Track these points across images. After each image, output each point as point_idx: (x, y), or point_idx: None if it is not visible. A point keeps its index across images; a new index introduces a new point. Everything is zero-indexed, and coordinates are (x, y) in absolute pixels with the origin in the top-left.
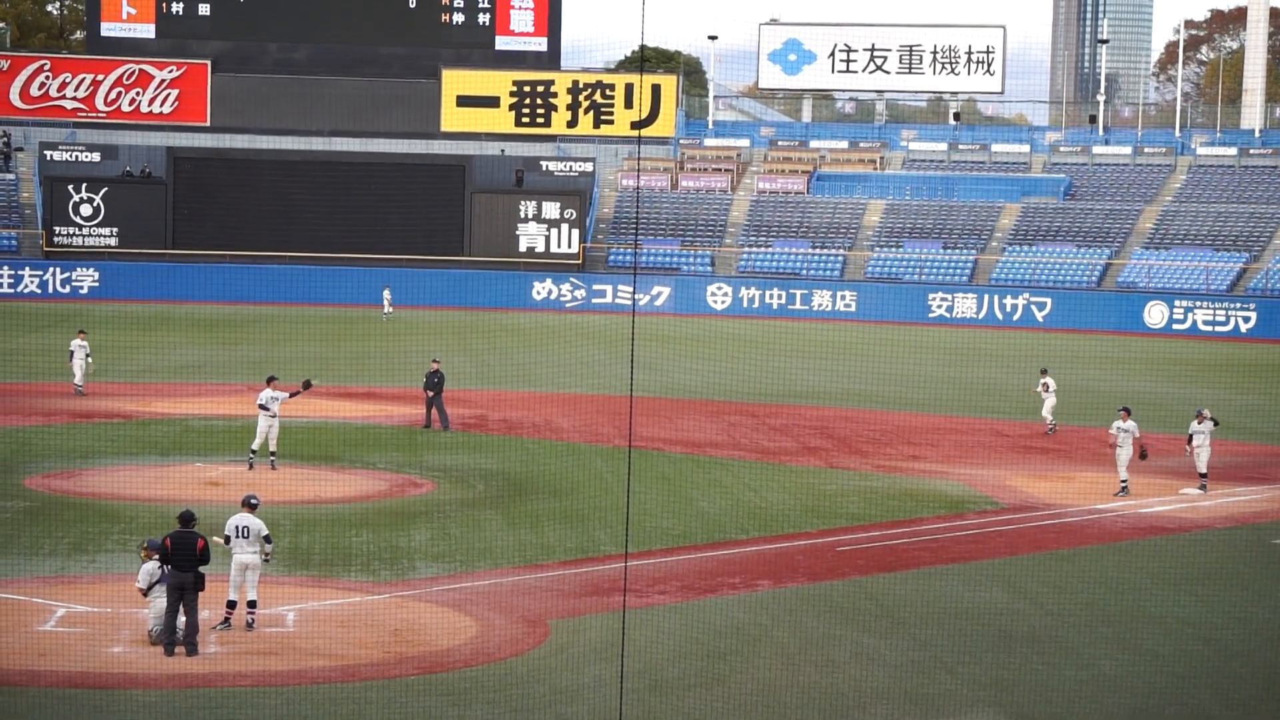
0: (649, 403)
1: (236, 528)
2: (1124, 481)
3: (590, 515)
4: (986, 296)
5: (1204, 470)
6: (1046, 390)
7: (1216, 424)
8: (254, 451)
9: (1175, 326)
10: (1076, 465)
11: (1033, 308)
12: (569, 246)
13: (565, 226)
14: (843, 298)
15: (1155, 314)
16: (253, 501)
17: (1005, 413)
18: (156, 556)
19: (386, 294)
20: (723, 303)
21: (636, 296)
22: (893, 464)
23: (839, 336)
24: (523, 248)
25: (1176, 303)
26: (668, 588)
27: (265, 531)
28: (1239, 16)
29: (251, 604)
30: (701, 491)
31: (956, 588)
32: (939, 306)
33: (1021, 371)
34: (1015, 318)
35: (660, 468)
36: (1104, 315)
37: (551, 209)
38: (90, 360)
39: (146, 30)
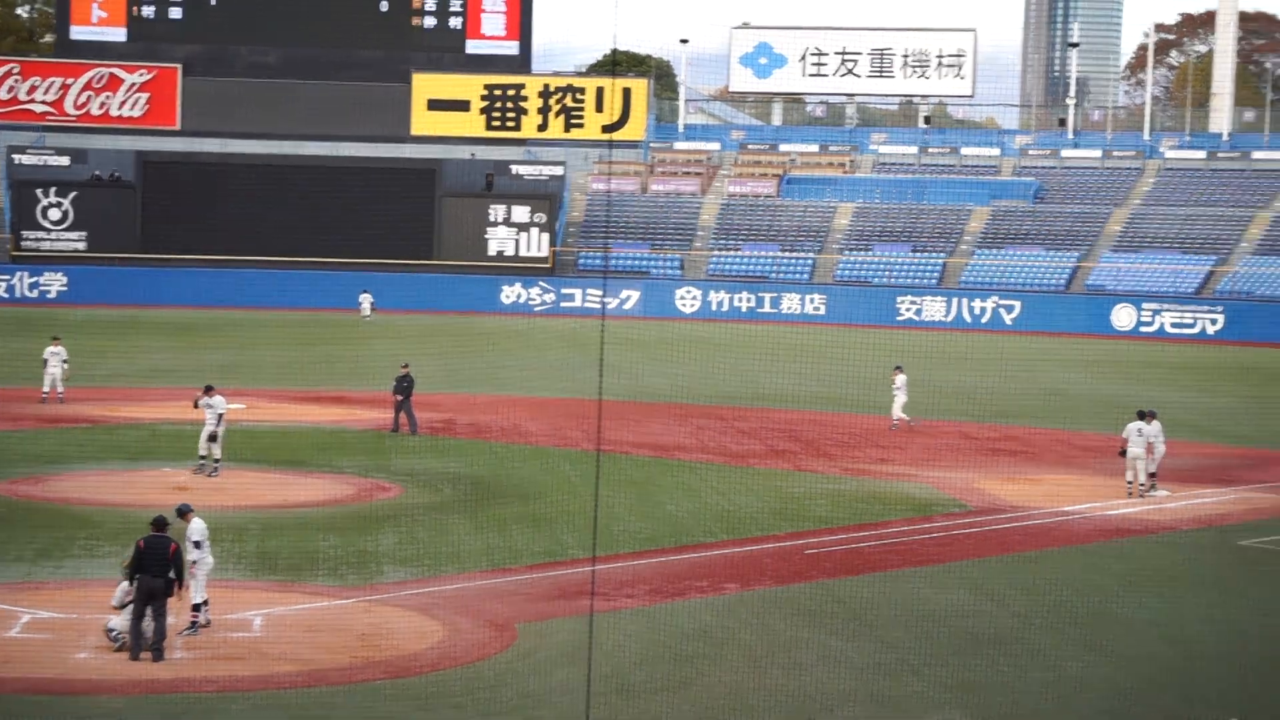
0: (617, 406)
1: (203, 532)
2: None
3: (558, 519)
4: (955, 299)
5: (1154, 470)
6: (897, 387)
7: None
8: (203, 457)
9: (1143, 329)
10: (1044, 468)
11: (1001, 311)
12: (539, 250)
13: (535, 230)
14: (812, 301)
15: (1123, 316)
16: (187, 509)
17: (973, 415)
18: None
19: (367, 298)
20: (692, 306)
21: (606, 300)
22: (860, 467)
23: (808, 340)
24: (492, 251)
25: (1144, 305)
26: (635, 591)
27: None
28: (1208, 20)
29: (205, 604)
30: (669, 495)
31: (923, 590)
32: (908, 310)
33: (990, 374)
34: (984, 320)
35: (628, 471)
36: (1072, 318)
37: (521, 213)
38: (67, 365)
39: (117, 34)
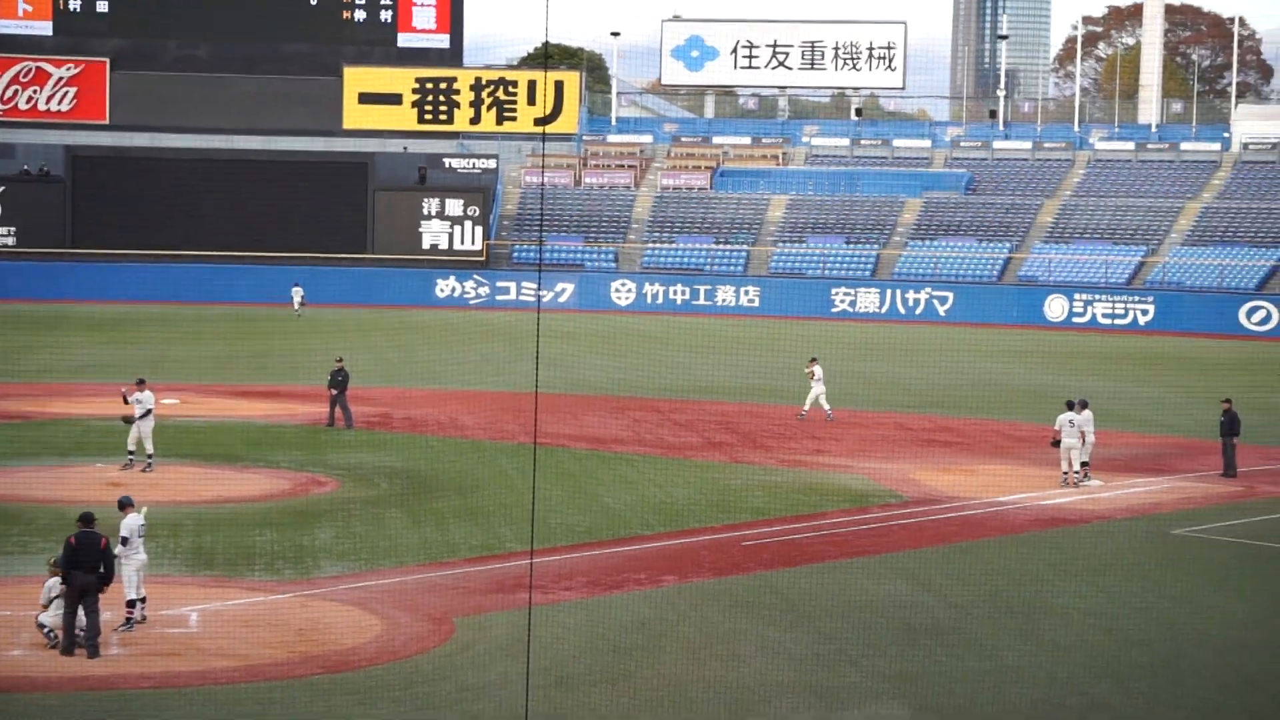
0: (553, 399)
1: (135, 528)
2: (1066, 472)
3: (495, 512)
4: (889, 291)
5: (1087, 459)
6: (814, 379)
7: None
8: (131, 453)
9: (1075, 319)
10: (979, 459)
11: (935, 302)
12: (472, 243)
13: (468, 224)
14: (746, 293)
15: (1056, 307)
16: (129, 501)
17: (908, 406)
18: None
19: (297, 291)
20: (626, 299)
21: (540, 293)
22: (796, 458)
23: (743, 332)
24: (426, 245)
25: (1076, 296)
26: (573, 584)
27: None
28: (1136, 13)
29: (143, 600)
30: (606, 488)
31: (860, 581)
32: (842, 301)
33: (925, 365)
34: (918, 312)
35: (565, 464)
36: (1005, 309)
37: (455, 206)
38: None
39: (44, 27)
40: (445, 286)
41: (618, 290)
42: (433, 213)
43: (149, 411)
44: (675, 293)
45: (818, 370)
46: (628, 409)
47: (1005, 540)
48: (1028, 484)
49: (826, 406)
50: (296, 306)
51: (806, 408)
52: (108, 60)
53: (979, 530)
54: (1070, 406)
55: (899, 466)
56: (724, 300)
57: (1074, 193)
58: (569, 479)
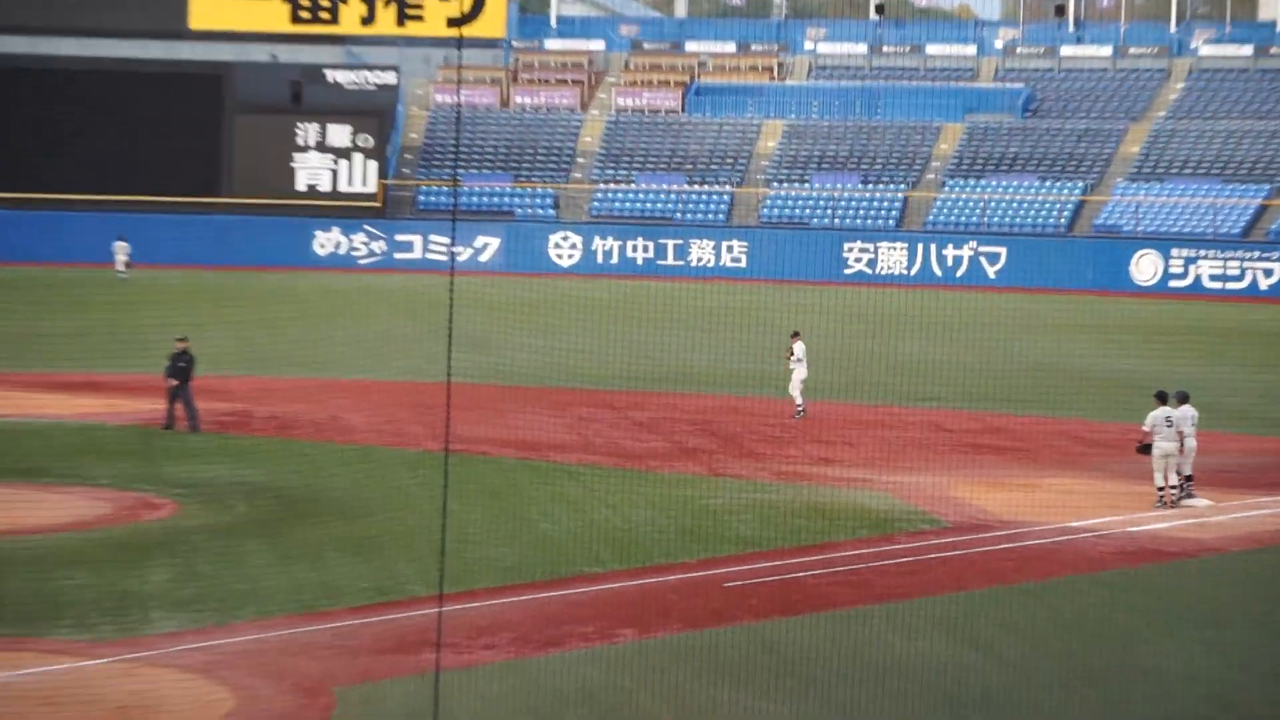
0: (473, 392)
1: None
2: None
3: (392, 544)
4: (920, 246)
5: (1189, 472)
6: (794, 359)
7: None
8: None
9: (1172, 283)
10: (1043, 470)
11: (982, 260)
12: (364, 184)
13: (359, 158)
14: (730, 250)
15: (1145, 267)
16: None
17: (947, 400)
18: None
19: (121, 248)
20: (570, 257)
21: (455, 250)
22: (797, 469)
23: (725, 301)
24: (301, 186)
25: (1174, 252)
26: (497, 640)
27: None
28: None
29: None
30: (543, 510)
31: (884, 635)
32: (858, 260)
33: (969, 345)
34: (959, 274)
35: (488, 478)
36: (1077, 270)
37: (340, 134)
38: None
39: None
40: (327, 241)
41: (558, 246)
42: (310, 143)
43: None
44: (635, 249)
45: (798, 348)
46: (572, 404)
47: (1080, 580)
48: (1109, 504)
49: (799, 399)
50: (120, 268)
51: (800, 401)
52: None
53: (1044, 567)
54: (1164, 399)
55: (935, 480)
56: (700, 259)
57: (1169, 114)
58: (493, 498)
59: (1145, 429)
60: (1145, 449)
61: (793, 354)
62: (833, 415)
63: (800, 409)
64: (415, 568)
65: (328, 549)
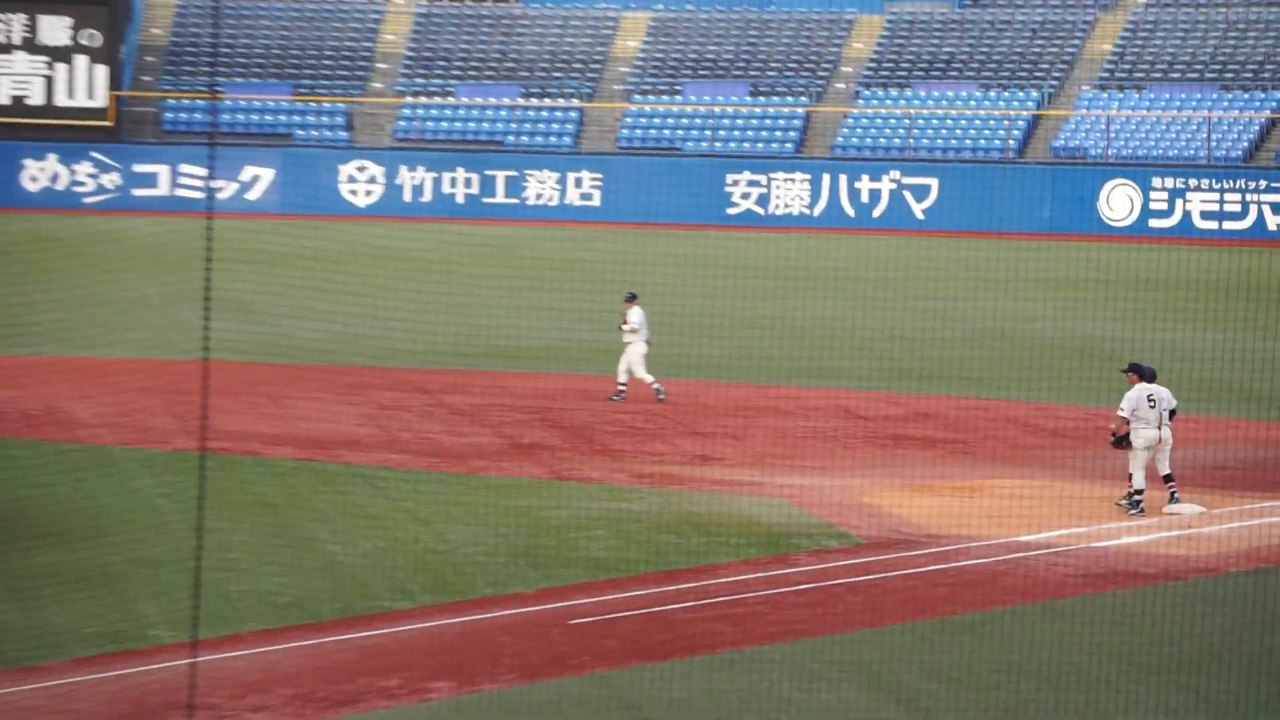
0: (238, 372)
1: None
2: (1134, 494)
3: (130, 576)
4: (827, 178)
5: (1168, 470)
6: (629, 329)
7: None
8: None
9: (1154, 223)
10: (984, 468)
11: (907, 196)
12: (90, 97)
13: (83, 61)
14: (578, 183)
15: (1119, 201)
16: None
17: (860, 378)
18: None
19: None
20: (369, 194)
21: (214, 185)
22: (665, 470)
23: (572, 251)
24: (4, 99)
25: (1155, 182)
26: (271, 699)
27: None
28: None
29: None
30: (332, 527)
31: (779, 685)
32: (745, 197)
33: (890, 308)
34: (876, 214)
35: (259, 486)
36: (1030, 207)
37: (56, 29)
38: None
39: None
40: (40, 173)
41: (353, 180)
42: (15, 40)
43: None
44: (454, 183)
45: (634, 316)
46: (371, 387)
47: (1031, 611)
48: (1070, 512)
49: (649, 377)
50: None
51: (651, 380)
52: None
53: (984, 594)
54: (1143, 374)
55: (844, 484)
56: (540, 196)
57: (1149, 1)
58: (264, 512)
59: (1122, 414)
60: (1122, 441)
61: (627, 323)
62: (712, 399)
63: (657, 388)
64: (161, 606)
65: (42, 584)
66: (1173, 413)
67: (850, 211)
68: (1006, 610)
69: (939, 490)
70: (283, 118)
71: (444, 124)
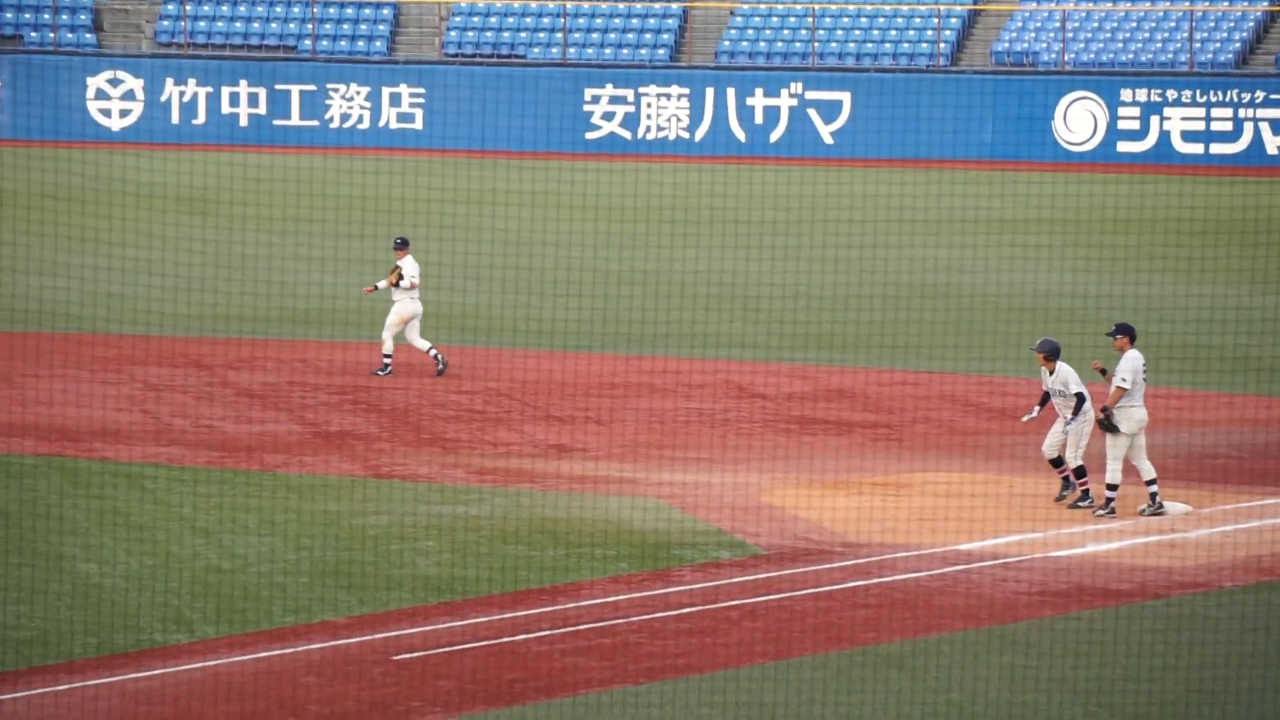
0: None
1: None
2: (1071, 484)
3: None
4: (710, 92)
5: (1079, 463)
6: (403, 284)
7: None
8: None
9: (1123, 147)
10: (914, 456)
11: (812, 115)
12: None
13: None
14: (395, 100)
15: (1079, 120)
16: None
17: (758, 347)
18: None
19: None
20: (124, 116)
21: None
22: (513, 465)
23: (388, 186)
24: None
25: (1125, 94)
26: None
27: None
28: None
29: None
30: (85, 541)
31: None
32: (608, 118)
33: (792, 257)
34: (774, 138)
35: None
36: (966, 128)
37: None
38: None
39: None
40: None
41: (103, 96)
42: None
43: None
44: (235, 100)
45: (408, 267)
46: (135, 361)
47: (975, 639)
48: (1022, 513)
49: (424, 344)
50: None
51: (427, 346)
52: None
53: (916, 618)
54: (1131, 336)
55: (739, 480)
56: (346, 117)
57: None
58: None
59: (1124, 384)
60: (1112, 424)
61: (400, 276)
62: (569, 374)
63: (437, 359)
64: None
65: None
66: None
67: (740, 135)
68: (944, 638)
69: (857, 487)
70: (8, 15)
71: (220, 24)
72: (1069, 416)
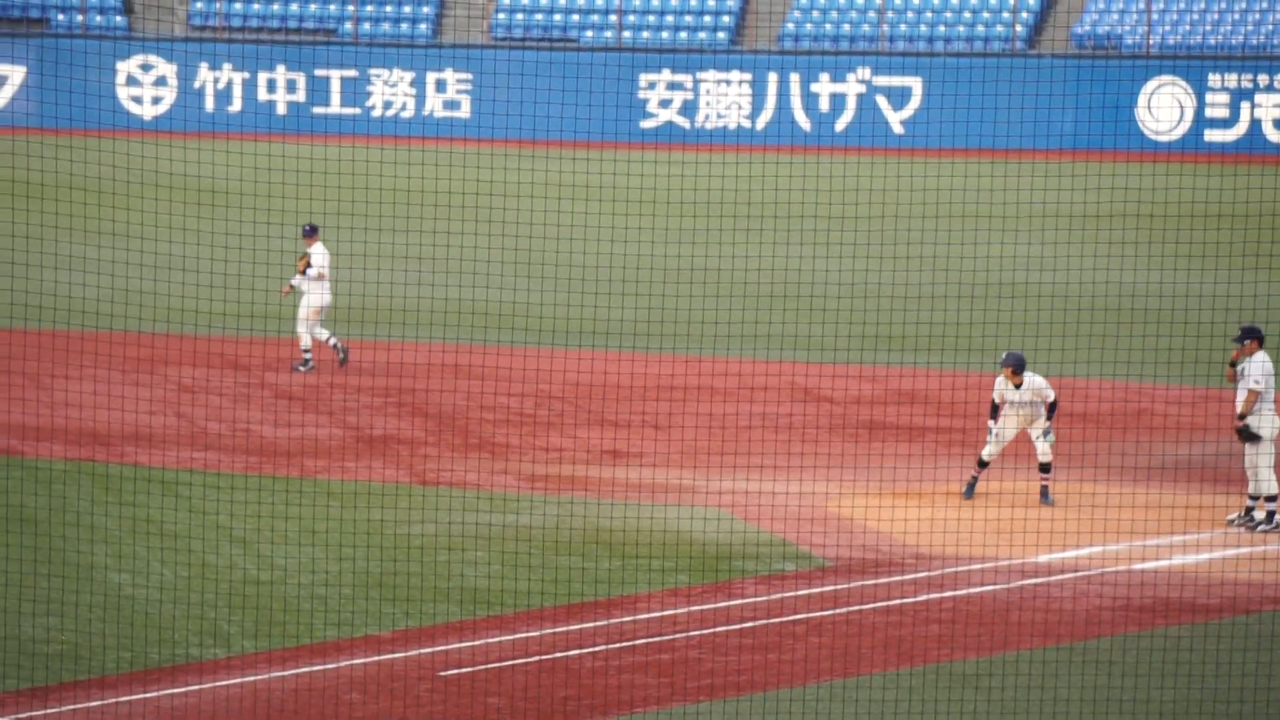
0: None
1: None
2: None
3: None
4: (774, 78)
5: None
6: (310, 273)
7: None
8: None
9: (1211, 136)
10: (1000, 462)
11: (881, 102)
12: None
13: None
14: (440, 86)
15: (1164, 108)
16: None
17: (823, 347)
18: None
19: None
20: (157, 102)
21: None
22: (566, 472)
23: (435, 178)
24: None
25: (1213, 80)
26: None
27: None
28: None
29: None
30: (116, 550)
31: None
32: (665, 106)
33: (861, 253)
34: (840, 127)
35: (15, 495)
36: (1046, 116)
37: None
38: None
39: None
40: None
41: (134, 83)
42: None
43: None
44: (273, 86)
45: (317, 255)
46: (168, 361)
47: (1056, 656)
48: (1107, 524)
49: (324, 333)
50: None
51: (327, 336)
52: None
53: (994, 635)
54: (1260, 340)
55: (803, 487)
56: (390, 104)
57: None
58: (25, 530)
59: (1257, 387)
60: (1250, 432)
61: (309, 265)
62: (625, 376)
63: (336, 344)
64: None
65: None
66: None
67: (804, 124)
68: (1021, 655)
69: (929, 497)
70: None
71: (257, 6)
72: (1045, 425)
